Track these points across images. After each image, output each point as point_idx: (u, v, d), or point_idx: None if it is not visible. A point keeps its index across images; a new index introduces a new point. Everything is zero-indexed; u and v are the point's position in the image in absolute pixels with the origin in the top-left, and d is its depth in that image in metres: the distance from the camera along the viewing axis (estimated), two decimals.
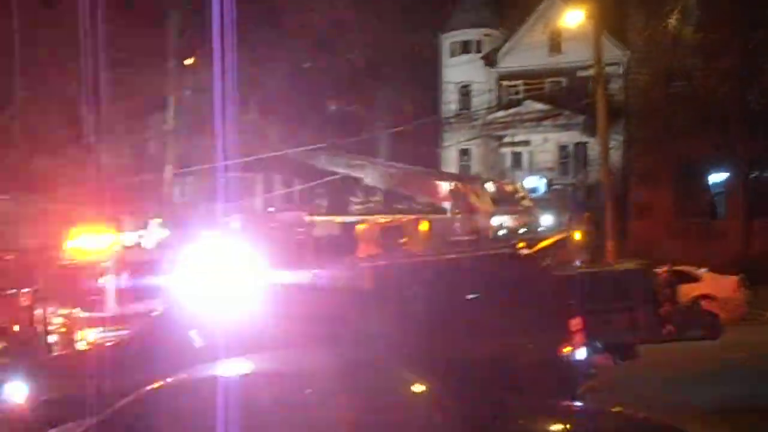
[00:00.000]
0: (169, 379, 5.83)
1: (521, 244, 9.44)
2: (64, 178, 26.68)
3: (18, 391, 8.76)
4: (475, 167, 35.12)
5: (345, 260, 12.37)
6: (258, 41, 25.60)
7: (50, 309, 17.49)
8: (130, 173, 25.72)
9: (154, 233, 21.89)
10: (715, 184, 30.75)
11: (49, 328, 16.76)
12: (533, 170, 33.86)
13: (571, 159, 35.33)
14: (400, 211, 25.81)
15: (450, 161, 35.63)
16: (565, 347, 7.80)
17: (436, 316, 8.12)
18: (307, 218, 22.84)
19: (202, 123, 27.19)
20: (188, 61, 26.84)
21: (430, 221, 23.01)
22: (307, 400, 5.36)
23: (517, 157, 35.19)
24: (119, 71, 25.07)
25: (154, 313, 9.91)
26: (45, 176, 27.04)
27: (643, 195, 31.11)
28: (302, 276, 9.28)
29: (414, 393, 5.64)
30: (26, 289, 23.27)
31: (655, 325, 13.23)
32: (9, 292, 23.65)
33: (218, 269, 9.52)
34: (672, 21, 27.83)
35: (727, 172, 29.99)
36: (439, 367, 5.99)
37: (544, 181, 31.17)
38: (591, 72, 34.16)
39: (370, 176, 25.85)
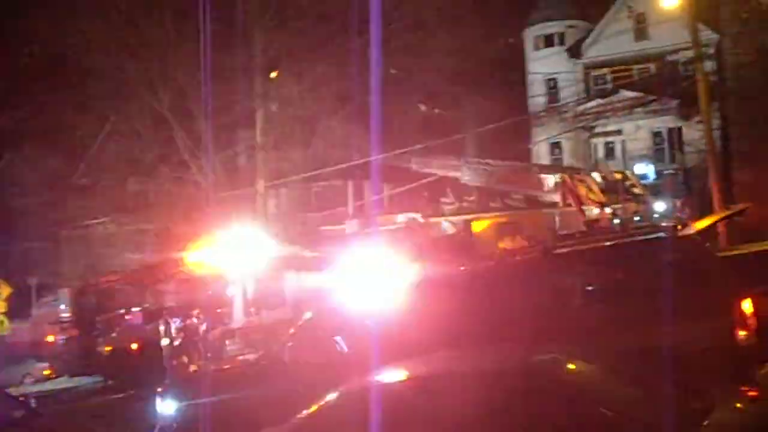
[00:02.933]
0: (356, 385, 5.71)
1: (680, 227, 8.95)
2: (159, 197, 27.24)
3: (169, 407, 8.78)
4: (567, 160, 34.50)
5: (494, 254, 12.11)
6: (345, 50, 25.53)
7: (175, 323, 17.71)
8: (222, 189, 25.93)
9: (259, 244, 21.93)
10: None
11: (175, 343, 16.97)
12: (626, 159, 32.96)
13: (665, 145, 34.36)
14: (496, 209, 25.40)
15: (541, 156, 35.05)
16: (738, 331, 7.31)
17: (605, 305, 7.78)
18: (422, 220, 22.52)
19: (291, 135, 27.43)
20: (273, 75, 26.94)
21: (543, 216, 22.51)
22: (492, 403, 5.03)
23: (609, 147, 34.51)
24: (206, 89, 25.43)
25: (303, 319, 9.75)
26: (140, 196, 27.71)
27: (746, 176, 29.77)
28: (451, 271, 9.06)
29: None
30: (136, 308, 23.88)
31: None
32: (119, 312, 24.33)
33: (369, 271, 9.44)
34: None
35: None
36: (615, 360, 5.73)
37: (653, 167, 30.13)
38: (680, 56, 33.65)
39: (467, 175, 25.55)
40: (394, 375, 5.81)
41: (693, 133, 32.46)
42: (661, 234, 9.02)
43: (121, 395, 18.88)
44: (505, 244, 19.78)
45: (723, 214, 13.77)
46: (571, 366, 5.63)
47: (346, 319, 8.79)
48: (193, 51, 25.41)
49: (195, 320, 18.14)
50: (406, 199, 29.05)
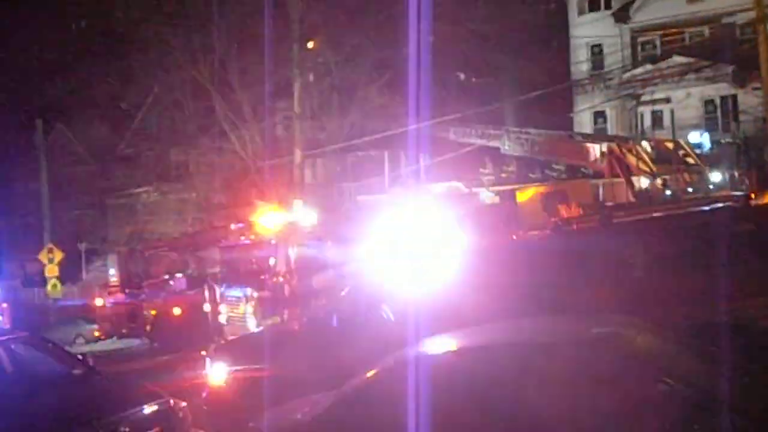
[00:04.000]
0: (406, 354, 5.63)
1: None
2: (200, 167, 27.84)
3: (220, 371, 9.02)
4: (611, 130, 33.53)
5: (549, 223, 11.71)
6: (383, 18, 25.38)
7: (221, 290, 18.16)
8: (261, 159, 26.30)
9: (299, 213, 22.24)
10: None
11: (219, 309, 17.40)
12: (675, 129, 31.88)
13: (718, 113, 33.00)
14: (536, 180, 25.08)
15: (584, 125, 34.18)
16: None
17: (671, 277, 7.43)
18: (465, 189, 22.33)
19: (327, 105, 27.54)
20: (310, 45, 27.01)
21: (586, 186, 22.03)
22: (547, 376, 4.98)
23: (657, 116, 33.31)
24: (245, 60, 25.70)
25: (344, 291, 9.84)
26: (181, 166, 28.37)
27: None
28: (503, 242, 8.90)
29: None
30: (179, 274, 24.62)
31: None
32: (164, 277, 25.12)
33: (412, 240, 9.31)
34: None
35: None
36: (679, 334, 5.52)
37: (708, 136, 28.88)
38: (737, 18, 32.14)
39: (507, 145, 25.18)
40: (445, 344, 5.70)
41: (750, 100, 31.09)
42: (733, 203, 8.62)
43: (166, 357, 19.48)
44: (560, 212, 19.55)
45: None
46: (632, 338, 5.43)
47: (390, 287, 8.66)
48: (233, 22, 25.75)
49: (281, 279, 18.47)
50: (444, 169, 28.92)
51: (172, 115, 27.13)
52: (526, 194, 22.31)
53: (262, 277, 21.05)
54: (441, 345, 5.72)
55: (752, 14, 24.97)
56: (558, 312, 6.61)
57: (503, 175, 27.14)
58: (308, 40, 26.57)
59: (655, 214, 9.23)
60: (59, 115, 29.66)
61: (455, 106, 27.49)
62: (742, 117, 32.22)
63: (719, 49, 31.46)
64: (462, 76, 28.43)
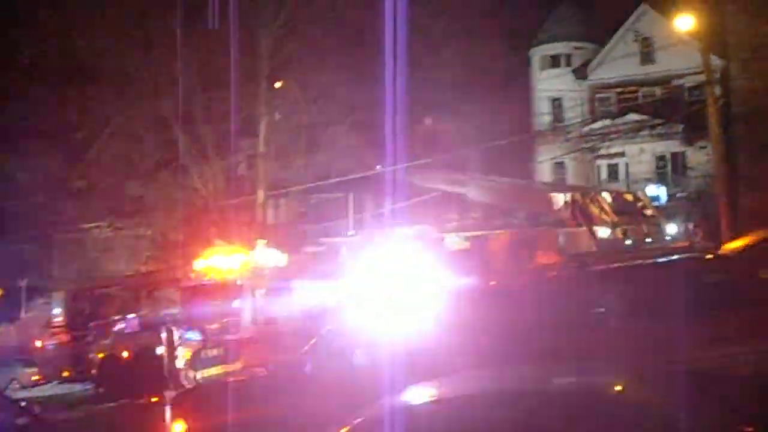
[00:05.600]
0: (381, 407, 5.26)
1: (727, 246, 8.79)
2: (157, 203, 26.74)
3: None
4: (571, 180, 34.38)
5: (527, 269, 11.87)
6: (354, 60, 25.26)
7: (180, 332, 17.14)
8: (222, 197, 25.52)
9: (263, 254, 21.47)
10: None
11: (176, 353, 16.39)
12: (630, 182, 32.86)
13: (669, 168, 34.39)
14: (500, 227, 25.18)
15: (544, 174, 34.91)
16: None
17: (644, 324, 7.55)
18: (435, 233, 22.20)
19: (293, 144, 27.04)
20: (278, 84, 26.62)
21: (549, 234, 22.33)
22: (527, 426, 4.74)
23: (613, 169, 34.46)
24: (210, 95, 25.07)
25: (322, 332, 9.26)
26: (138, 201, 27.17)
27: (752, 202, 29.58)
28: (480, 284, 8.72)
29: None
30: (132, 316, 23.32)
31: None
32: (114, 318, 23.76)
33: (390, 282, 9.04)
34: None
35: None
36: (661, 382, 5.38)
37: (664, 189, 30.10)
38: (686, 80, 33.67)
39: (473, 191, 25.28)
40: (421, 395, 5.40)
41: (697, 157, 32.49)
42: (701, 254, 9.06)
43: (113, 404, 18.27)
44: (538, 258, 19.55)
45: (762, 237, 13.60)
46: (613, 387, 5.23)
47: (365, 332, 8.47)
48: (200, 55, 25.12)
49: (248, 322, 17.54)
50: (408, 213, 28.69)
51: (131, 146, 26.06)
52: (497, 240, 22.41)
53: (226, 320, 20.19)
54: (413, 397, 5.38)
55: (700, 77, 26.24)
56: (544, 359, 6.54)
57: (469, 220, 27.12)
58: (277, 79, 26.18)
59: (627, 263, 9.35)
60: (5, 144, 28.21)
61: (421, 150, 27.46)
62: (690, 173, 33.63)
63: (670, 108, 32.88)
64: (428, 121, 28.48)
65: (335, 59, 25.71)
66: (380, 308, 8.57)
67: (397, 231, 24.16)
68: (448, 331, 7.78)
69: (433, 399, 5.28)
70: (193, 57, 24.46)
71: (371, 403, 5.36)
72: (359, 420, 5.20)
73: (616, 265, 9.08)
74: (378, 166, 26.37)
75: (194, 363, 16.80)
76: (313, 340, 9.45)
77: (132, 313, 23.62)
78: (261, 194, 26.15)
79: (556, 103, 37.00)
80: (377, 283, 9.35)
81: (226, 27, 23.11)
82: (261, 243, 23.60)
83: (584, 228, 22.64)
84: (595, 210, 23.41)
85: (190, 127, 25.58)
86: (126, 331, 22.63)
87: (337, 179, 26.41)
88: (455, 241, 25.07)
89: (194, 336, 17.92)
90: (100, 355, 22.25)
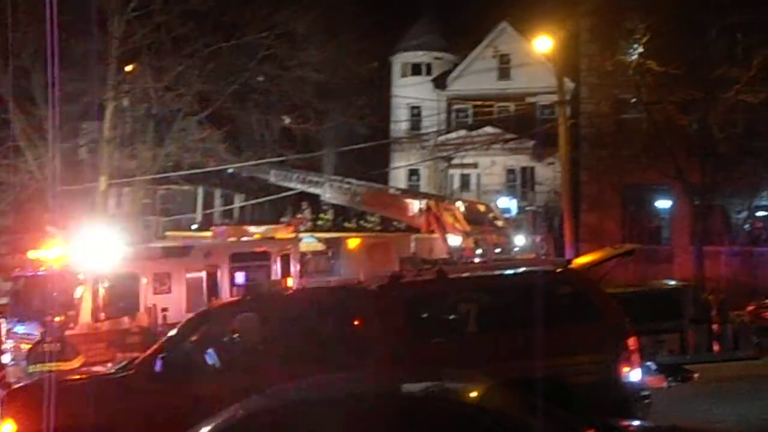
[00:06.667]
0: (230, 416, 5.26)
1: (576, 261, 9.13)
2: None
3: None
4: (424, 188, 34.86)
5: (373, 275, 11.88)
6: (209, 53, 24.48)
7: (8, 325, 15.82)
8: (60, 182, 23.96)
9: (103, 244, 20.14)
10: (662, 210, 30.94)
11: (3, 346, 15.09)
12: (480, 192, 33.76)
13: (518, 182, 35.57)
14: (351, 230, 25.21)
15: (398, 181, 35.21)
16: (623, 367, 7.59)
17: (485, 334, 7.84)
18: (291, 233, 21.74)
19: (142, 134, 25.85)
20: (128, 68, 25.37)
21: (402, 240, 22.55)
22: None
23: (465, 179, 35.25)
24: (52, 74, 23.51)
25: (172, 331, 8.75)
26: None
27: (592, 219, 31.12)
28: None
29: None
30: None
31: (707, 344, 13.04)
32: None
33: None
34: (626, 52, 27.94)
35: (672, 199, 30.17)
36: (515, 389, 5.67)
37: (515, 202, 31.10)
38: (540, 99, 34.97)
39: (329, 193, 25.18)
40: (268, 402, 5.49)
41: (546, 173, 33.84)
42: (552, 267, 9.38)
43: None
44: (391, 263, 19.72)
45: (610, 253, 14.23)
46: (469, 393, 5.44)
47: (219, 330, 8.24)
48: (43, 30, 23.48)
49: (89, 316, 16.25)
50: (258, 211, 28.16)
51: None
52: (353, 243, 22.46)
53: (65, 313, 18.89)
54: (260, 403, 5.52)
55: (553, 97, 27.38)
56: (394, 367, 6.74)
57: (320, 222, 26.98)
58: (128, 62, 24.94)
59: (481, 273, 9.76)
60: None
61: (278, 149, 26.99)
62: (538, 188, 35.00)
63: (523, 124, 34.05)
64: (287, 119, 28.06)
65: (190, 49, 24.83)
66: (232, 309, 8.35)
67: (248, 229, 23.67)
68: (296, 335, 7.82)
69: (276, 405, 5.36)
70: (35, 31, 22.85)
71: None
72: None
73: (469, 274, 9.46)
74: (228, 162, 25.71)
75: (30, 358, 15.55)
76: (164, 338, 8.94)
77: None
78: (103, 181, 24.79)
79: (415, 110, 37.48)
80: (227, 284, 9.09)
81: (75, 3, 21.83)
82: (100, 233, 22.29)
83: (437, 235, 23.28)
84: (448, 218, 23.89)
85: (28, 106, 23.91)
86: None
87: (188, 172, 25.50)
88: (310, 242, 24.80)
89: (25, 329, 16.63)
90: None
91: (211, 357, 8.01)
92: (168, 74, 24.58)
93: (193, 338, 8.23)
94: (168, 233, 26.86)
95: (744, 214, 27.90)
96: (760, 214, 28.83)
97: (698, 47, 26.04)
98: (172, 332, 8.68)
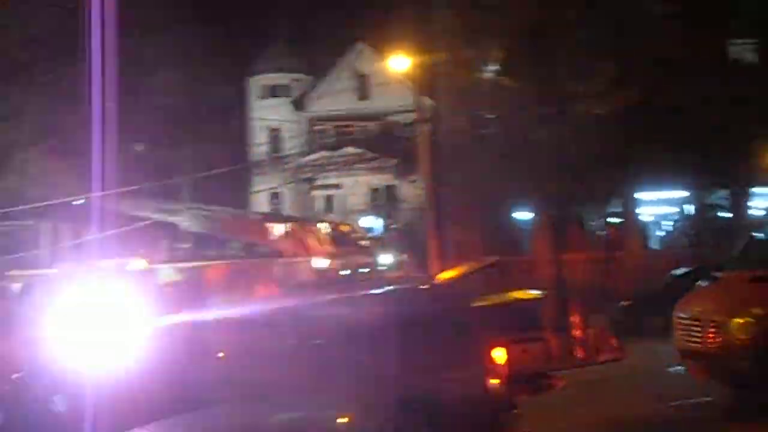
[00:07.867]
0: None
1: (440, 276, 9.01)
2: None
3: None
4: (287, 211, 34.46)
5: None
6: (56, 77, 23.15)
7: None
8: None
9: None
10: (523, 222, 31.76)
11: None
12: (345, 212, 33.66)
13: (382, 201, 35.79)
14: (213, 257, 24.32)
15: (261, 205, 34.57)
16: (490, 380, 7.47)
17: (349, 355, 7.49)
18: (147, 265, 20.71)
19: None
20: None
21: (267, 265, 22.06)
22: None
23: (329, 200, 35.15)
24: None
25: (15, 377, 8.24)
26: None
27: (457, 235, 31.55)
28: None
29: None
30: None
31: (568, 352, 13.12)
32: None
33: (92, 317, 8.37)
34: (481, 69, 28.63)
35: (532, 210, 31.02)
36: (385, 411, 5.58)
37: (381, 221, 31.23)
38: (400, 117, 35.32)
39: (186, 221, 24.23)
40: None
41: (409, 190, 34.22)
42: (413, 284, 9.25)
43: None
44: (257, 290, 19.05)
45: (473, 267, 14.19)
46: (340, 419, 5.21)
47: (66, 374, 7.61)
48: None
49: None
50: (113, 244, 26.63)
51: None
52: (213, 272, 21.65)
53: None
54: None
55: (413, 115, 27.69)
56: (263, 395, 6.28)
57: (180, 251, 25.90)
58: None
59: (344, 295, 9.36)
60: None
61: (130, 177, 25.68)
62: (402, 205, 35.33)
63: (385, 143, 34.31)
64: (140, 146, 26.83)
65: (31, 76, 23.35)
66: (82, 349, 7.69)
67: (100, 263, 22.32)
68: (154, 371, 7.28)
69: None
70: None
71: None
72: None
73: (334, 296, 9.11)
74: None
75: None
76: (6, 386, 8.28)
77: None
78: None
79: (275, 133, 37.05)
80: (77, 321, 8.55)
81: None
82: None
83: (302, 259, 22.78)
84: (312, 241, 23.63)
85: None
86: None
87: (29, 206, 23.75)
88: (168, 273, 23.62)
89: None
90: None
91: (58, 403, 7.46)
92: (6, 101, 23.08)
93: None
94: (11, 272, 24.92)
95: (600, 221, 29.00)
96: (613, 220, 30.10)
97: (548, 64, 26.91)
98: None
